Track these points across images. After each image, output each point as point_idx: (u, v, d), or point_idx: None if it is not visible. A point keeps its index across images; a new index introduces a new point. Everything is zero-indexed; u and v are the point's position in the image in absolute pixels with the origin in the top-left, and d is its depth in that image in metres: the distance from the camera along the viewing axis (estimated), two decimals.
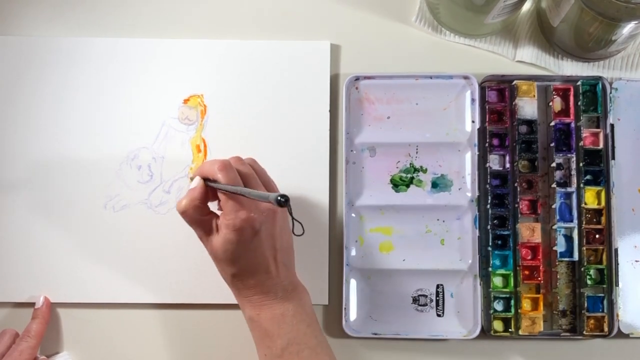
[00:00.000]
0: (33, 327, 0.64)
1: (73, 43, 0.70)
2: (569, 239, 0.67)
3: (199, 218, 0.58)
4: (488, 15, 0.66)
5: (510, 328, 0.66)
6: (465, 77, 0.69)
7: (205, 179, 0.58)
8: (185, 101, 0.69)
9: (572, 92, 0.68)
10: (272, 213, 0.58)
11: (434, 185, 0.69)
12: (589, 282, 0.66)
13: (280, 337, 0.58)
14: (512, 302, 0.66)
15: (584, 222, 0.67)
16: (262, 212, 0.57)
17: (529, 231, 0.67)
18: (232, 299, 0.67)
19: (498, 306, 0.67)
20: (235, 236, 0.56)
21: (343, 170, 0.68)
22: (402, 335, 0.67)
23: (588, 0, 0.60)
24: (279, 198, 0.51)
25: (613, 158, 0.68)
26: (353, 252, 0.68)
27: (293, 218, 0.55)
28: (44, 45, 0.70)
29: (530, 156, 0.68)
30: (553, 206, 0.67)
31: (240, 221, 0.56)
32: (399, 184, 0.69)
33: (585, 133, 0.68)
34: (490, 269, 0.67)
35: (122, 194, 0.68)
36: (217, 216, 0.58)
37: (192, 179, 0.59)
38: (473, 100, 0.69)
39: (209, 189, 0.58)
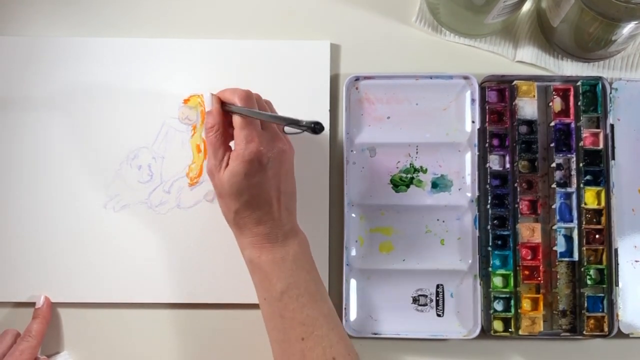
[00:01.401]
0: (34, 327, 0.65)
1: (73, 43, 0.70)
2: (569, 239, 0.67)
3: (219, 143, 0.59)
4: (488, 16, 0.66)
5: (510, 328, 0.66)
6: (465, 77, 0.69)
7: (224, 104, 0.59)
8: (186, 101, 0.69)
9: (572, 93, 0.68)
10: (280, 153, 0.59)
11: (434, 185, 0.69)
12: (589, 282, 0.66)
13: (280, 281, 0.58)
14: (512, 302, 0.66)
15: (584, 222, 0.67)
16: (272, 148, 0.58)
17: (529, 231, 0.67)
18: (232, 299, 0.67)
19: (498, 306, 0.67)
20: (243, 168, 0.57)
21: (343, 170, 0.68)
22: (402, 335, 0.67)
23: (588, 0, 0.60)
24: (313, 125, 0.51)
25: (613, 158, 0.68)
26: (353, 252, 0.68)
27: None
28: (44, 45, 0.70)
29: (530, 156, 0.68)
30: (553, 206, 0.67)
31: (250, 153, 0.57)
32: (399, 184, 0.69)
33: (585, 133, 0.68)
34: (490, 269, 0.67)
35: (122, 194, 0.68)
36: (230, 150, 0.59)
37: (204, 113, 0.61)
38: (473, 100, 0.69)
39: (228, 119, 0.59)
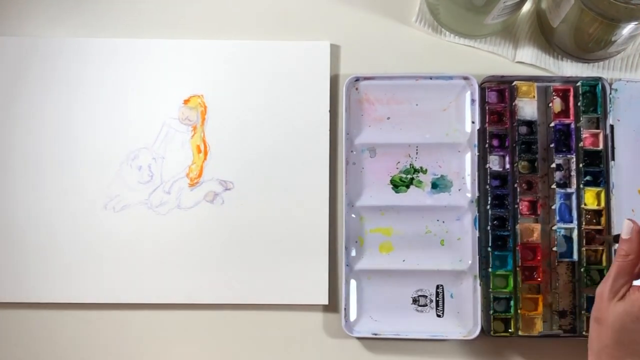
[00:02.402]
0: None
1: (73, 43, 0.70)
2: (568, 239, 0.67)
3: (628, 271, 0.56)
4: (488, 16, 0.66)
5: (510, 328, 0.66)
6: (465, 78, 0.69)
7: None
8: (186, 102, 0.70)
9: (571, 93, 0.68)
10: None
11: (434, 186, 0.69)
12: (588, 282, 0.66)
13: None
14: (512, 302, 0.66)
15: (583, 223, 0.67)
16: None
17: (529, 232, 0.67)
18: (232, 300, 0.67)
19: (498, 306, 0.67)
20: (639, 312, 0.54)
21: (343, 171, 0.68)
22: (402, 336, 0.67)
23: (588, 1, 0.60)
24: None
25: (613, 159, 0.68)
26: (353, 253, 0.68)
27: None
28: (44, 45, 0.70)
29: (530, 157, 0.68)
30: (553, 207, 0.67)
31: None
32: (399, 184, 0.69)
33: (585, 134, 0.68)
34: (490, 269, 0.67)
35: (122, 194, 0.68)
36: (632, 286, 0.56)
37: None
38: (473, 101, 0.69)
39: None
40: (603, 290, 0.57)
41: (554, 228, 0.67)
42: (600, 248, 0.67)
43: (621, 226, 0.65)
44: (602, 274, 0.66)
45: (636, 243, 0.57)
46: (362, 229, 0.68)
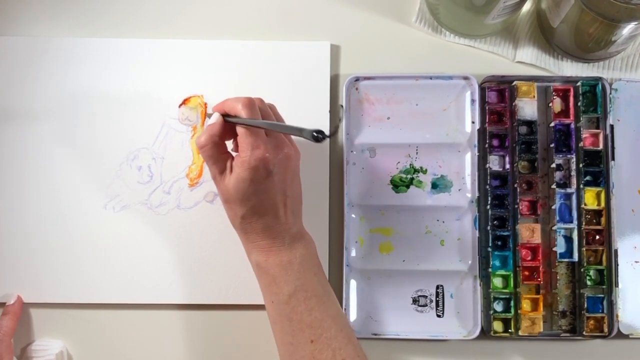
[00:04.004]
0: (4, 323, 0.65)
1: (73, 43, 0.70)
2: (568, 239, 0.67)
3: (216, 155, 0.58)
4: (488, 16, 0.66)
5: (510, 329, 0.66)
6: (465, 78, 0.69)
7: (225, 115, 0.59)
8: (186, 102, 0.69)
9: (572, 93, 0.68)
10: (286, 158, 0.59)
11: (434, 186, 0.69)
12: (588, 282, 0.66)
13: (287, 284, 0.58)
14: (512, 302, 0.66)
15: (583, 223, 0.67)
16: (277, 154, 0.58)
17: (529, 232, 0.67)
18: (232, 300, 0.67)
19: (498, 307, 0.67)
20: (249, 174, 0.57)
21: (343, 171, 0.68)
22: (402, 336, 0.67)
23: (588, 1, 0.60)
24: (314, 133, 0.51)
25: (613, 159, 0.68)
26: (353, 253, 0.68)
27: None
28: (44, 45, 0.70)
29: (530, 157, 0.68)
30: (553, 207, 0.67)
31: (255, 159, 0.56)
32: (399, 184, 0.69)
33: (585, 134, 0.68)
34: (490, 269, 0.67)
35: (122, 194, 0.68)
36: (232, 157, 0.59)
37: (209, 115, 0.60)
38: (473, 100, 0.69)
39: (228, 126, 0.59)
40: (214, 174, 0.59)
41: (554, 228, 0.67)
42: (601, 248, 0.67)
43: (621, 226, 0.66)
44: (602, 274, 0.66)
45: (218, 127, 0.59)
46: (362, 229, 0.68)
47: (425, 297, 0.68)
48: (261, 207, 0.58)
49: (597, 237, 0.67)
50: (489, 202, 0.67)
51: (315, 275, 0.60)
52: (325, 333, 0.57)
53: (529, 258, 0.67)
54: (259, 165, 0.56)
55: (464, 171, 0.69)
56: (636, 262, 0.67)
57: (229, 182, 0.58)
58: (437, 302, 0.67)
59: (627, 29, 0.62)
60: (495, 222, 0.68)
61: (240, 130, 0.58)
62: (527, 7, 0.69)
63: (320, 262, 0.61)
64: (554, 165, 0.67)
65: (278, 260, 0.58)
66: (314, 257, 0.61)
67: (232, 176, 0.58)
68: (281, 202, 0.59)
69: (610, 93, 0.68)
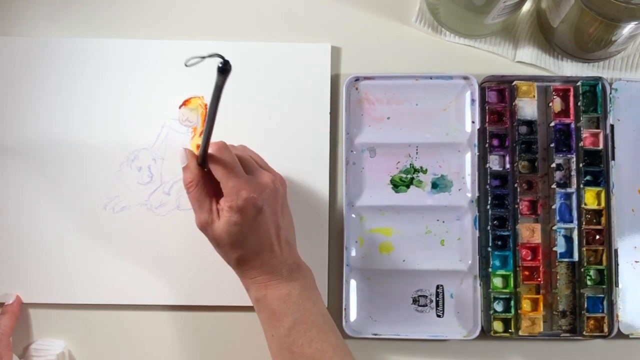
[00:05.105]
0: (2, 322, 0.65)
1: (73, 43, 0.70)
2: (568, 239, 0.67)
3: (202, 198, 0.57)
4: (488, 16, 0.66)
5: (510, 329, 0.66)
6: (465, 78, 0.69)
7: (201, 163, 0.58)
8: (186, 103, 0.69)
9: (572, 93, 0.68)
10: (273, 191, 0.58)
11: (434, 185, 0.69)
12: (588, 282, 0.66)
13: (287, 317, 0.58)
14: (512, 302, 0.66)
15: (583, 223, 0.67)
16: (263, 190, 0.57)
17: (529, 232, 0.67)
18: (231, 301, 0.67)
19: (498, 307, 0.67)
20: (239, 217, 0.56)
21: (343, 171, 0.68)
22: (402, 336, 0.67)
23: (588, 0, 0.60)
24: (219, 65, 0.49)
25: (613, 159, 0.68)
26: (353, 253, 0.68)
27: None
28: (44, 45, 0.70)
29: (530, 157, 0.68)
30: (553, 207, 0.67)
31: (243, 201, 0.56)
32: (399, 184, 0.69)
33: (585, 134, 0.68)
34: (490, 269, 0.67)
35: (122, 195, 0.68)
36: (216, 200, 0.58)
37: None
38: (473, 100, 0.69)
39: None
40: (201, 221, 0.58)
41: (554, 228, 0.67)
42: (601, 248, 0.67)
43: (621, 225, 0.66)
44: (602, 274, 0.66)
45: (194, 167, 0.58)
46: (362, 229, 0.68)
47: (425, 297, 0.68)
48: (256, 247, 0.58)
49: (597, 237, 0.67)
50: (489, 202, 0.67)
51: (315, 304, 0.59)
52: None
53: (529, 258, 0.67)
54: (247, 206, 0.56)
55: (464, 171, 0.69)
56: (636, 262, 0.67)
57: (218, 227, 0.57)
58: (437, 302, 0.68)
59: (627, 28, 0.62)
60: (495, 222, 0.68)
61: (218, 174, 0.57)
62: (527, 7, 0.69)
63: (319, 291, 0.61)
64: (554, 165, 0.67)
65: (277, 294, 0.58)
66: (312, 286, 0.60)
67: (222, 221, 0.57)
68: (274, 235, 0.58)
69: (610, 93, 0.68)
